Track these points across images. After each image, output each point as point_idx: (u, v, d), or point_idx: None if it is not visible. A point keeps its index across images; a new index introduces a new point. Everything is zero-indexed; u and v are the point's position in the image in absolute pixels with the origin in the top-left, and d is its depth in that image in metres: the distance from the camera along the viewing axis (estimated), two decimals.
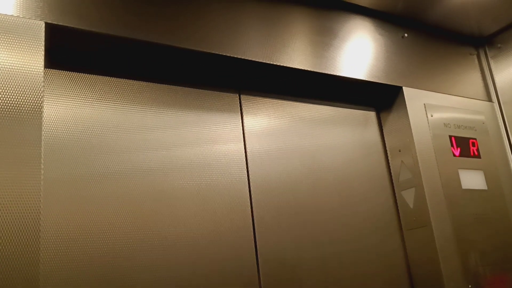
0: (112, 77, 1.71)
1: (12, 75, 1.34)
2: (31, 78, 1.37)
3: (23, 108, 1.33)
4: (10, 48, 1.36)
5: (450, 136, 2.36)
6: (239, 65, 1.89)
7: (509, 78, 2.62)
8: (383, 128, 2.39)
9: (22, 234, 1.24)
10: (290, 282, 1.86)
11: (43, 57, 1.40)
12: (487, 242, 2.24)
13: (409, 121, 2.25)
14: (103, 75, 1.69)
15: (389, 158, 2.34)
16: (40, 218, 1.28)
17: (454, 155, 2.33)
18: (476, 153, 2.42)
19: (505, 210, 2.40)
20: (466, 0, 2.32)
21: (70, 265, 1.45)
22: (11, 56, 1.36)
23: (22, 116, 1.33)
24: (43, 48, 1.41)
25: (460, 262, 2.11)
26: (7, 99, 1.32)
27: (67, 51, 1.62)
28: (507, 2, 2.38)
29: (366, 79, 2.19)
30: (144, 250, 1.59)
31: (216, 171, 1.82)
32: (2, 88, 1.32)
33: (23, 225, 1.25)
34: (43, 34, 1.42)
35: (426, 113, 2.33)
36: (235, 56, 1.83)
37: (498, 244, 2.29)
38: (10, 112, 1.31)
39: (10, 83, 1.33)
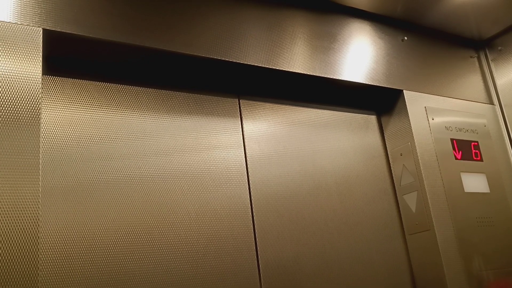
0: (111, 83, 1.71)
1: (9, 82, 1.34)
2: (29, 85, 1.36)
3: (21, 115, 1.33)
4: (7, 54, 1.36)
5: (452, 139, 2.35)
6: (238, 69, 1.89)
7: (510, 81, 2.61)
8: (384, 132, 2.38)
9: (20, 242, 1.23)
10: (292, 287, 1.84)
11: (41, 64, 1.40)
12: (490, 245, 2.23)
13: (410, 124, 2.24)
14: (101, 81, 1.69)
15: (390, 162, 2.33)
16: (38, 226, 1.27)
17: (456, 158, 2.32)
18: (478, 156, 2.40)
19: (508, 213, 2.38)
20: (465, 2, 2.31)
21: (69, 271, 1.44)
22: (9, 62, 1.35)
23: (20, 123, 1.32)
24: (41, 54, 1.41)
25: (464, 266, 2.10)
26: (4, 105, 1.31)
27: (65, 57, 1.62)
28: (507, 4, 2.37)
29: (366, 83, 2.19)
30: (144, 256, 1.57)
31: (216, 177, 1.81)
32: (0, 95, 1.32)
33: (22, 233, 1.24)
34: (41, 40, 1.42)
35: (427, 117, 2.32)
36: (235, 61, 1.82)
37: (502, 248, 2.27)
38: (8, 119, 1.31)
39: (7, 90, 1.33)
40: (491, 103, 2.65)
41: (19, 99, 1.34)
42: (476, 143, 2.43)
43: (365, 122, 2.36)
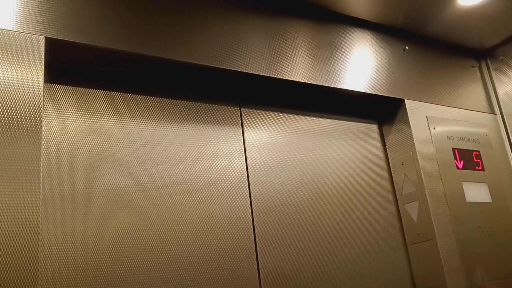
0: (112, 91, 1.71)
1: (11, 90, 1.34)
2: (30, 93, 1.36)
3: (23, 123, 1.33)
4: (9, 62, 1.36)
5: (453, 149, 2.35)
6: (240, 78, 1.89)
7: None
8: (386, 141, 2.38)
9: (20, 249, 1.23)
10: None
11: (42, 72, 1.40)
12: (492, 255, 2.22)
13: (412, 134, 2.24)
14: (103, 90, 1.69)
15: (392, 171, 2.33)
16: (39, 233, 1.26)
17: (458, 168, 2.31)
18: (479, 165, 2.40)
19: (511, 223, 2.37)
20: (467, 12, 2.32)
21: (68, 279, 1.43)
22: (11, 70, 1.36)
23: (21, 131, 1.32)
24: (43, 62, 1.41)
25: (466, 276, 2.09)
26: (6, 113, 1.31)
27: (67, 65, 1.62)
28: (508, 14, 2.38)
29: (368, 92, 2.19)
30: (145, 266, 1.57)
31: (217, 185, 1.81)
32: (1, 102, 1.32)
33: (22, 240, 1.24)
34: (43, 48, 1.43)
35: (429, 126, 2.32)
36: (236, 70, 1.83)
37: (504, 258, 2.26)
38: (10, 126, 1.31)
39: (9, 98, 1.33)
40: (493, 112, 2.65)
41: (21, 106, 1.34)
42: (477, 153, 2.42)
43: (367, 131, 2.36)
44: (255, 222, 1.85)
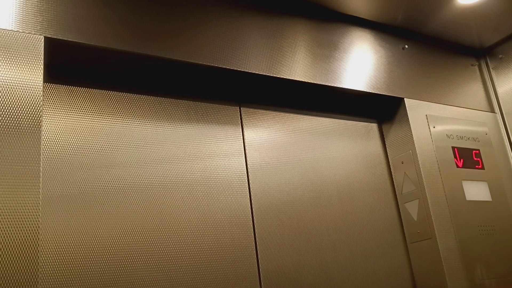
0: (112, 91, 1.71)
1: (11, 90, 1.34)
2: (30, 93, 1.36)
3: (22, 123, 1.33)
4: (9, 62, 1.36)
5: (453, 148, 2.35)
6: (239, 77, 1.89)
7: (511, 89, 2.61)
8: (385, 140, 2.38)
9: (20, 249, 1.23)
10: None
11: (42, 72, 1.40)
12: (492, 254, 2.22)
13: (412, 132, 2.24)
14: (102, 89, 1.69)
15: (391, 170, 2.33)
16: (39, 234, 1.26)
17: (458, 167, 2.31)
18: (479, 164, 2.40)
19: (510, 221, 2.37)
20: (466, 11, 2.32)
21: (69, 280, 1.43)
22: (10, 70, 1.36)
23: (21, 131, 1.32)
24: (42, 62, 1.41)
25: (466, 274, 2.09)
26: (6, 113, 1.31)
27: (66, 65, 1.62)
28: (508, 12, 2.38)
29: (367, 91, 2.19)
30: (145, 265, 1.57)
31: (217, 185, 1.81)
32: (1, 102, 1.31)
33: (22, 240, 1.23)
34: (43, 48, 1.42)
35: (429, 125, 2.32)
36: (236, 69, 1.82)
37: (504, 256, 2.26)
38: (9, 127, 1.31)
39: (9, 97, 1.33)
40: (492, 111, 2.65)
41: (20, 106, 1.34)
42: (477, 151, 2.42)
43: (366, 130, 2.36)
44: (255, 221, 1.85)
